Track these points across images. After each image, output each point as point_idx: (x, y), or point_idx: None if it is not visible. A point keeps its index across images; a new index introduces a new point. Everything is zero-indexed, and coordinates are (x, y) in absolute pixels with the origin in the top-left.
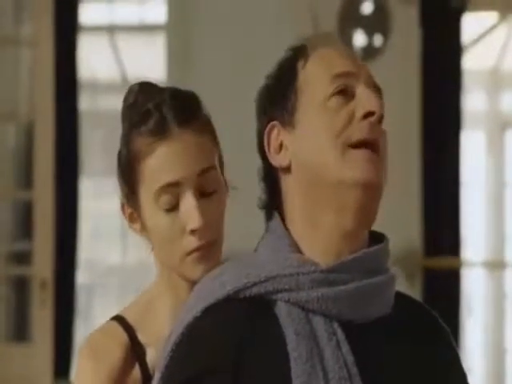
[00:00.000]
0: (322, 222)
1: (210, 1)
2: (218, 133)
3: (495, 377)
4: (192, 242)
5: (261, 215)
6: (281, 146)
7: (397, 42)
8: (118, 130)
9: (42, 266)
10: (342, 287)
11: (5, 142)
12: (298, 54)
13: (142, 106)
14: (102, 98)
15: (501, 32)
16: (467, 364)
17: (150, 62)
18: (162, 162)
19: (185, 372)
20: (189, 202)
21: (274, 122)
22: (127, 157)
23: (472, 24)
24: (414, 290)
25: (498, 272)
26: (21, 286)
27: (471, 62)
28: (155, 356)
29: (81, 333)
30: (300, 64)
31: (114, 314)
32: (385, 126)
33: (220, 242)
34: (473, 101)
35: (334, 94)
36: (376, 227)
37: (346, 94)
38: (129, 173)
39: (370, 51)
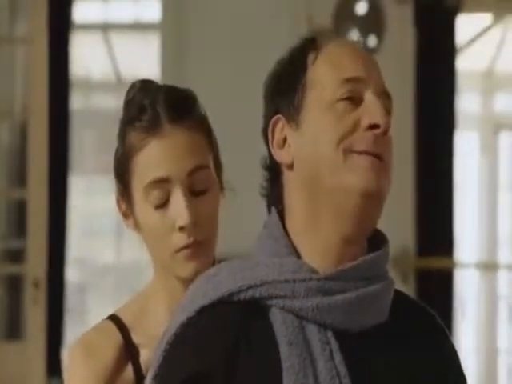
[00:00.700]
0: (321, 226)
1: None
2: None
3: (488, 377)
4: (181, 239)
5: (259, 216)
6: (284, 140)
7: (391, 43)
8: (111, 128)
9: (35, 264)
10: (338, 297)
11: None
12: (308, 46)
13: (139, 102)
14: (96, 96)
15: (495, 33)
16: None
17: (144, 61)
18: (152, 158)
19: (177, 373)
20: (178, 198)
21: (280, 116)
22: (121, 152)
23: (466, 25)
24: (406, 291)
25: (490, 273)
26: (14, 285)
27: (465, 63)
28: (149, 357)
29: (74, 331)
30: (310, 58)
31: (108, 312)
32: None
33: (212, 242)
34: (467, 102)
35: (341, 99)
36: None
37: (353, 99)
38: (122, 168)
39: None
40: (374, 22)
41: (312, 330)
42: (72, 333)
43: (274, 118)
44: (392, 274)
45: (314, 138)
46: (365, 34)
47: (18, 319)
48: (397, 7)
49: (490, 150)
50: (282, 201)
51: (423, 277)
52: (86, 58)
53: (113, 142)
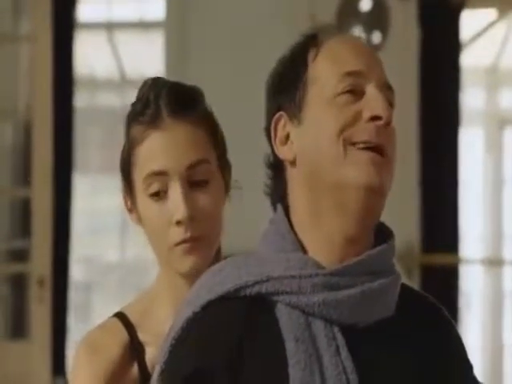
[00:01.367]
0: (324, 221)
1: None
2: None
3: (493, 373)
4: (178, 233)
5: (263, 214)
6: (287, 137)
7: (395, 39)
8: (116, 126)
9: (40, 263)
10: (344, 292)
11: (2, 140)
12: (309, 43)
13: (144, 97)
14: (100, 94)
15: (499, 29)
16: None
17: (148, 60)
18: (152, 150)
19: (183, 368)
20: (176, 192)
21: (282, 113)
22: (126, 146)
23: (471, 21)
24: None
25: (495, 269)
26: (19, 284)
27: (470, 59)
28: (154, 355)
29: (79, 330)
30: (311, 55)
31: (112, 311)
32: None
33: (212, 237)
34: (471, 98)
35: (342, 93)
36: None
37: (354, 93)
38: (125, 161)
39: None
40: (377, 19)
41: (318, 326)
42: (76, 331)
43: (277, 115)
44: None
45: (315, 133)
46: (369, 30)
47: (22, 318)
48: (400, 4)
49: (494, 145)
50: (286, 198)
51: (428, 273)
52: (90, 56)
53: (117, 141)
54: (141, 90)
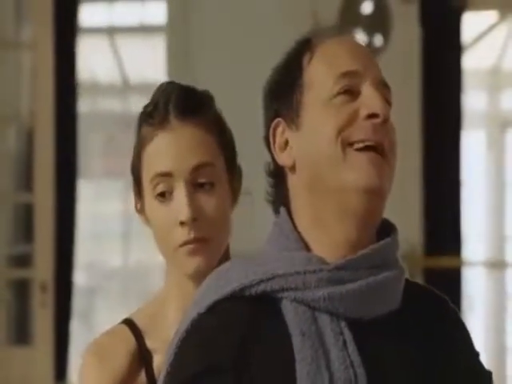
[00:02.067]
0: (326, 226)
1: (209, 2)
2: None
3: (496, 375)
4: (182, 234)
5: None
6: (286, 143)
7: (397, 42)
8: (118, 131)
9: (43, 268)
10: (349, 286)
11: (5, 145)
12: (303, 48)
13: (155, 100)
14: (102, 99)
15: (501, 31)
16: None
17: (150, 64)
18: (158, 151)
19: (189, 369)
20: (180, 193)
21: (280, 119)
22: (135, 147)
23: (472, 23)
24: None
25: (498, 271)
26: (21, 289)
27: (471, 61)
28: (162, 363)
29: (82, 336)
30: (305, 60)
31: (115, 316)
32: None
33: (217, 239)
34: (473, 100)
35: (338, 94)
36: None
37: (351, 93)
38: (135, 162)
39: (370, 50)
40: (379, 22)
41: (325, 321)
42: (79, 336)
43: (275, 122)
44: None
45: (313, 136)
46: (370, 33)
47: (25, 323)
48: (402, 6)
49: (496, 147)
50: (288, 204)
51: (431, 275)
52: (92, 61)
53: (120, 145)
54: (154, 93)
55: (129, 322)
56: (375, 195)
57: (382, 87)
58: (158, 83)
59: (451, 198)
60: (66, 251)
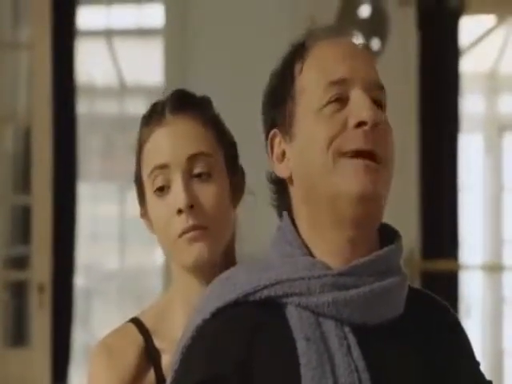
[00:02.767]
0: (324, 235)
1: (207, 5)
2: None
3: (493, 379)
4: (180, 223)
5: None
6: (283, 154)
7: (394, 45)
8: (115, 133)
9: (40, 270)
10: (353, 291)
11: (3, 146)
12: (296, 54)
13: (154, 104)
14: (99, 102)
15: (499, 35)
16: None
17: (147, 67)
18: (155, 146)
19: (194, 377)
20: (177, 183)
21: (276, 130)
22: (136, 154)
23: (470, 27)
24: None
25: (496, 275)
26: (19, 291)
27: (469, 64)
28: (170, 362)
29: (79, 337)
30: (297, 68)
31: (112, 318)
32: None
33: (217, 229)
34: (471, 103)
35: (328, 103)
36: None
37: (341, 100)
38: (136, 163)
39: None
40: (377, 25)
41: (329, 326)
42: (76, 338)
43: (272, 132)
44: None
45: (305, 147)
46: (368, 37)
47: (23, 325)
48: (400, 10)
49: (494, 151)
50: (291, 210)
51: (428, 279)
52: (89, 63)
53: (116, 148)
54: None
55: (136, 322)
56: (369, 201)
57: (375, 89)
58: (156, 86)
59: (449, 201)
60: (64, 253)
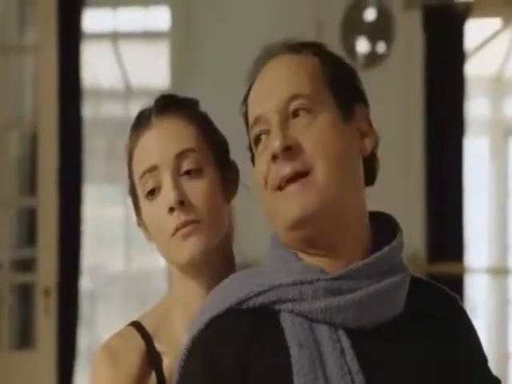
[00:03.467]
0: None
1: (213, 8)
2: None
3: None
4: (172, 220)
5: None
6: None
7: (400, 49)
8: (121, 136)
9: (46, 273)
10: (348, 296)
11: (9, 149)
12: (247, 93)
13: (142, 111)
14: (105, 104)
15: (504, 38)
16: None
17: (153, 69)
18: (143, 150)
19: None
20: (166, 182)
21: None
22: (127, 159)
23: (475, 30)
24: None
25: (501, 278)
26: (25, 294)
27: (475, 68)
28: (171, 365)
29: (84, 340)
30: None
31: (117, 321)
32: (388, 133)
33: (209, 223)
34: (476, 107)
35: (256, 143)
36: None
37: (263, 137)
38: (129, 173)
39: (373, 58)
40: (382, 29)
41: (323, 331)
42: (81, 341)
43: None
44: None
45: (259, 188)
46: (373, 40)
47: (29, 328)
48: (405, 13)
49: (499, 154)
50: None
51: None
52: (95, 66)
53: (122, 150)
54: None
55: (137, 325)
56: (306, 224)
57: (289, 103)
58: (161, 89)
59: (454, 204)
60: (70, 256)
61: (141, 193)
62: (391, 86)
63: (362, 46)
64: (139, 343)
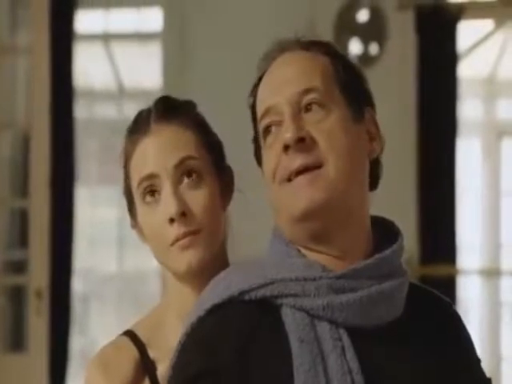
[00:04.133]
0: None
1: (205, 9)
2: None
3: None
4: (172, 230)
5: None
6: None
7: (393, 50)
8: (113, 137)
9: (38, 274)
10: (350, 295)
11: (1, 150)
12: (256, 84)
13: (139, 114)
14: (97, 106)
15: (497, 39)
16: None
17: (145, 71)
18: (141, 157)
19: (189, 371)
20: (166, 191)
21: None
22: (123, 159)
23: (468, 32)
24: None
25: (493, 280)
26: (16, 295)
27: (467, 69)
28: (165, 371)
29: (77, 342)
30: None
31: (110, 322)
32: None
33: (209, 233)
34: (469, 108)
35: (265, 135)
36: None
37: (279, 124)
38: (124, 175)
39: (365, 59)
40: (375, 30)
41: (324, 328)
42: (73, 342)
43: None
44: None
45: (265, 180)
46: (366, 41)
47: (20, 330)
48: (398, 14)
49: (492, 156)
50: None
51: (426, 284)
52: (88, 67)
53: (115, 152)
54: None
55: (130, 334)
56: (313, 215)
57: (302, 96)
58: (154, 90)
59: (447, 206)
60: (62, 257)
61: (138, 198)
62: (384, 87)
63: (355, 46)
64: (133, 352)
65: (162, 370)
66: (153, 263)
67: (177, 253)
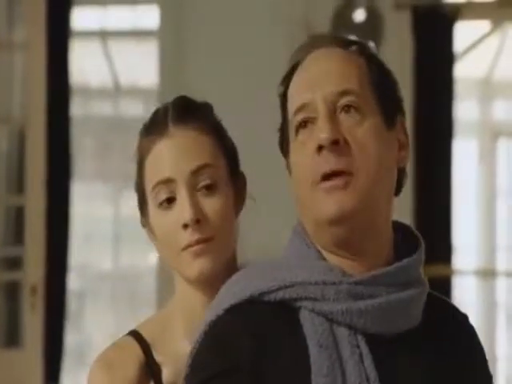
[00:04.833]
0: (324, 250)
1: (202, 6)
2: None
3: None
4: (186, 236)
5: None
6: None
7: (389, 50)
8: (109, 135)
9: (33, 271)
10: (369, 301)
11: None
12: (288, 74)
13: (155, 113)
14: (94, 103)
15: (493, 41)
16: None
17: (142, 68)
18: (158, 159)
19: (205, 371)
20: (182, 197)
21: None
22: (137, 159)
23: (464, 32)
24: None
25: (489, 280)
26: (11, 291)
27: (464, 70)
28: (171, 376)
29: (72, 339)
30: (289, 88)
31: (105, 319)
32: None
33: (223, 240)
34: (465, 109)
35: (297, 130)
36: None
37: (312, 122)
38: (137, 175)
39: None
40: (371, 30)
41: (342, 333)
42: (68, 339)
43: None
44: None
45: (293, 174)
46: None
47: (15, 326)
48: (395, 14)
49: (488, 157)
50: None
51: None
52: (84, 64)
53: (110, 149)
54: (155, 110)
55: (135, 334)
56: (341, 222)
57: (339, 97)
58: (150, 87)
59: (442, 207)
60: (58, 254)
61: (152, 200)
62: None
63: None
64: (137, 353)
65: (168, 374)
66: (148, 260)
67: (188, 259)
